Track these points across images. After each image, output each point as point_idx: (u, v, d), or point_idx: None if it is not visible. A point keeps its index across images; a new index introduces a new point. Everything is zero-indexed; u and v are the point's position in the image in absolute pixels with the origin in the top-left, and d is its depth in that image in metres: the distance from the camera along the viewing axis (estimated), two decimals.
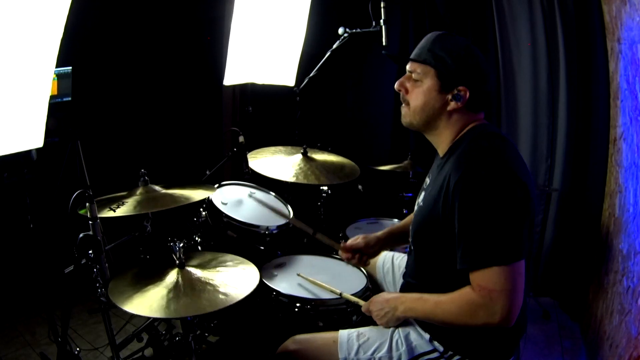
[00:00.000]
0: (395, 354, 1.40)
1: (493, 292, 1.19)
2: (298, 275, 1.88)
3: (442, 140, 1.42)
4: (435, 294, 1.33)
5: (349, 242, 1.77)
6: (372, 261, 1.90)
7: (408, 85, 1.40)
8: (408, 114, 1.41)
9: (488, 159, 1.25)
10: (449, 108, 1.35)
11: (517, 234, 1.21)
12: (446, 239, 1.29)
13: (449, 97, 1.34)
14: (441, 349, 1.38)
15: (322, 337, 1.52)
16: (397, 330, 1.45)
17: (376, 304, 1.48)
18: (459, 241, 1.25)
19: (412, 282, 1.50)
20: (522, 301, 1.22)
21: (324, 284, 1.78)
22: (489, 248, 1.20)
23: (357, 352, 1.42)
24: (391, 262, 1.86)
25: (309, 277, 1.84)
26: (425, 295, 1.36)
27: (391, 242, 1.78)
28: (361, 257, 1.75)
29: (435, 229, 1.33)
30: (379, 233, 1.78)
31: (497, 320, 1.20)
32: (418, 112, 1.38)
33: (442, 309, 1.30)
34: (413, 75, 1.38)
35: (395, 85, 1.42)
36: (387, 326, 1.46)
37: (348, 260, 1.78)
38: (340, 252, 1.78)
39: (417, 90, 1.38)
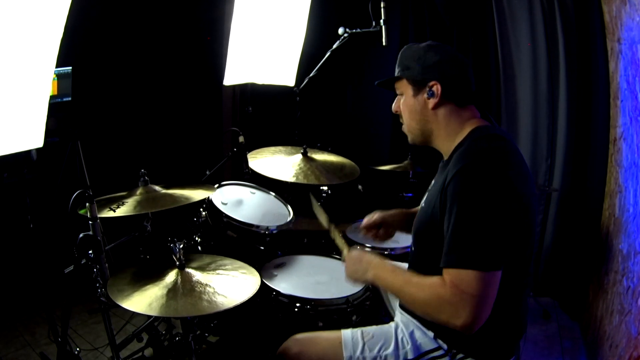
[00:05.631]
0: (401, 352, 1.40)
1: (465, 295, 1.17)
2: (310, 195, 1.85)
3: (442, 143, 1.43)
4: (410, 272, 1.32)
5: (366, 221, 1.74)
6: None
7: (399, 104, 1.47)
8: (407, 132, 1.49)
9: (484, 160, 1.24)
10: (430, 107, 1.39)
11: (502, 243, 1.19)
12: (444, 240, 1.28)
13: (425, 96, 1.39)
14: (445, 346, 1.38)
15: (325, 337, 1.51)
16: (400, 328, 1.45)
17: (351, 259, 1.46)
18: (446, 236, 1.24)
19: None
20: (489, 312, 1.19)
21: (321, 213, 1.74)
22: (472, 250, 1.18)
23: (362, 350, 1.42)
24: None
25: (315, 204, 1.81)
26: (399, 270, 1.35)
27: (405, 223, 1.72)
28: (386, 230, 1.72)
29: (434, 229, 1.33)
30: (393, 212, 1.74)
31: (459, 323, 1.17)
32: (411, 124, 1.45)
33: (409, 292, 1.29)
34: (397, 93, 1.47)
35: (392, 108, 1.50)
36: (353, 283, 1.44)
37: (374, 238, 1.74)
38: (362, 233, 1.75)
39: (402, 104, 1.45)
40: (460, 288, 1.17)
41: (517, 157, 1.33)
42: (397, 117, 1.50)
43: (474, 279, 1.16)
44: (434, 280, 1.24)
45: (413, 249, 1.49)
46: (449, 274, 1.21)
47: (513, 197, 1.22)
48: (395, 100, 1.48)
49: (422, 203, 1.47)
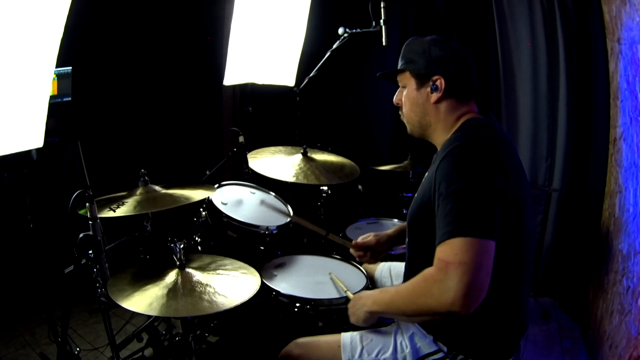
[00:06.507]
0: (400, 355, 1.40)
1: (450, 265, 1.10)
2: (329, 274, 1.87)
3: (438, 136, 1.44)
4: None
5: (360, 239, 1.78)
6: (370, 271, 1.92)
7: (400, 96, 1.49)
8: (406, 122, 1.50)
9: (471, 142, 1.26)
10: (432, 101, 1.41)
11: (487, 211, 1.16)
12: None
13: (428, 90, 1.41)
14: (445, 349, 1.37)
15: (326, 340, 1.51)
16: (400, 332, 1.45)
17: (352, 302, 1.49)
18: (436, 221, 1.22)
19: (410, 275, 1.50)
20: (487, 285, 1.11)
21: (343, 285, 1.77)
22: (454, 220, 1.15)
23: (361, 354, 1.42)
24: (389, 273, 1.86)
25: (337, 278, 1.83)
26: (387, 287, 1.37)
27: (401, 240, 1.77)
28: (373, 254, 1.77)
29: (426, 217, 1.31)
30: (390, 231, 1.79)
31: (449, 299, 1.09)
32: (411, 115, 1.47)
33: (400, 294, 1.29)
34: (400, 85, 1.49)
35: (394, 100, 1.51)
36: (357, 323, 1.44)
37: (360, 258, 1.80)
38: (351, 250, 1.80)
39: (404, 97, 1.47)
40: (445, 260, 1.12)
41: (506, 143, 1.34)
42: (397, 116, 1.52)
43: (457, 247, 1.11)
44: (423, 271, 1.21)
45: (408, 239, 1.50)
46: (437, 251, 1.17)
47: (500, 172, 1.22)
48: (397, 92, 1.50)
49: (415, 194, 1.48)
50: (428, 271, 1.19)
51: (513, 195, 1.24)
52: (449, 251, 1.13)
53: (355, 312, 1.44)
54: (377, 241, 1.76)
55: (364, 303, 1.41)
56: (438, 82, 1.38)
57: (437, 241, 1.18)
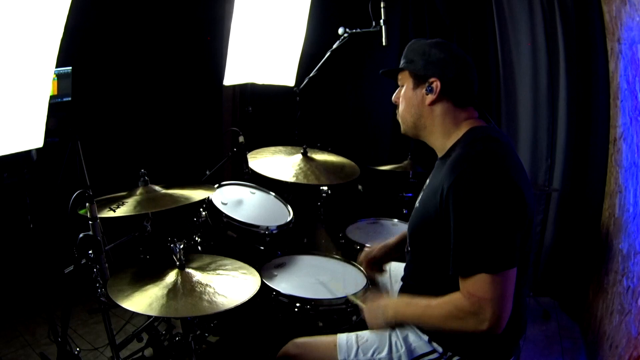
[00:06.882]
0: (395, 355, 1.40)
1: (483, 300, 1.18)
2: (321, 282, 1.86)
3: (436, 139, 1.44)
4: (426, 298, 1.32)
5: (363, 255, 1.76)
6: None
7: (399, 94, 1.49)
8: (400, 121, 1.51)
9: (483, 162, 1.25)
10: (426, 102, 1.40)
11: (509, 241, 1.20)
12: (440, 241, 1.28)
13: (424, 91, 1.40)
14: (440, 349, 1.38)
15: (323, 340, 1.52)
16: (395, 332, 1.45)
17: (368, 310, 1.48)
18: (452, 245, 1.25)
19: (409, 283, 1.50)
20: (511, 307, 1.21)
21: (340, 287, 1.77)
22: (481, 255, 1.19)
23: (356, 354, 1.42)
24: (388, 274, 1.85)
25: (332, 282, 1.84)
26: (415, 300, 1.36)
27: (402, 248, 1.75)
28: (379, 266, 1.78)
29: (430, 230, 1.33)
30: (390, 241, 1.76)
31: (485, 327, 1.20)
32: (405, 115, 1.47)
33: (431, 314, 1.30)
34: (399, 84, 1.49)
35: (393, 98, 1.52)
36: (377, 329, 1.45)
37: (370, 271, 1.79)
38: (365, 270, 1.80)
39: (401, 95, 1.47)
40: (477, 295, 1.19)
41: (513, 156, 1.34)
42: (397, 118, 1.51)
43: (488, 283, 1.18)
44: (452, 295, 1.26)
45: (409, 249, 1.50)
46: (464, 284, 1.23)
47: (513, 193, 1.23)
48: (396, 91, 1.50)
49: (417, 203, 1.48)
50: (460, 302, 1.23)
51: (524, 207, 1.25)
52: (479, 287, 1.20)
53: (375, 319, 1.43)
54: (380, 251, 1.74)
55: (384, 311, 1.41)
56: (434, 84, 1.37)
57: (459, 270, 1.23)
